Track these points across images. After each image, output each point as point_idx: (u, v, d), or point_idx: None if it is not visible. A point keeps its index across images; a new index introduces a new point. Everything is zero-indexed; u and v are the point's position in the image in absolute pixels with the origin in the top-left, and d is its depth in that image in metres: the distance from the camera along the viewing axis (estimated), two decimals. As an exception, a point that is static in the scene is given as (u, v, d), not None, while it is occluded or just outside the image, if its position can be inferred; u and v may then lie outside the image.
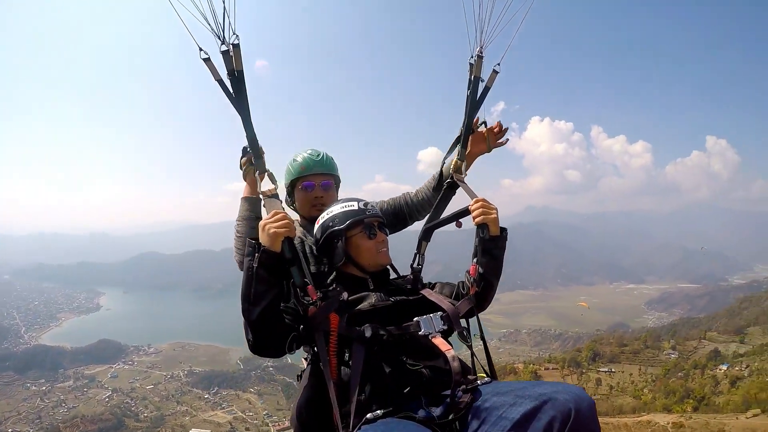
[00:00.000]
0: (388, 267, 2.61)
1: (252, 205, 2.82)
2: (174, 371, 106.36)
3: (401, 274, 2.74)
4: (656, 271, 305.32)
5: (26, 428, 75.27)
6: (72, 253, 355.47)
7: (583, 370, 64.96)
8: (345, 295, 2.29)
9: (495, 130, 3.10)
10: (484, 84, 2.84)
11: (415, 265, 2.67)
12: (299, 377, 2.54)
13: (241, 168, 2.85)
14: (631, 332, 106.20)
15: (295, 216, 3.15)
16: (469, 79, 2.80)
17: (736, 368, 56.89)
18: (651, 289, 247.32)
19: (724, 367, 58.05)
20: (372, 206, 2.58)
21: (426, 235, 2.75)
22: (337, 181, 3.12)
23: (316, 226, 2.60)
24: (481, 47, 2.75)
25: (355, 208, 2.50)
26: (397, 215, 3.16)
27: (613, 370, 66.13)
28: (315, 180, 2.98)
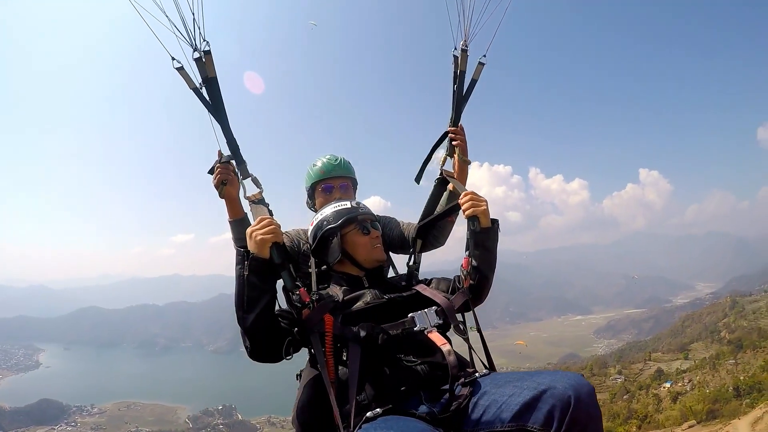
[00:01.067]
0: (384, 265, 2.68)
1: (237, 228, 2.79)
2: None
3: (399, 273, 2.90)
4: (602, 301, 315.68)
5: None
6: (9, 306, 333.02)
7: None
8: (339, 295, 2.31)
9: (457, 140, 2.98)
10: (470, 77, 2.89)
11: (410, 264, 2.76)
12: (298, 377, 2.52)
13: (216, 188, 2.73)
14: (581, 362, 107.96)
15: (299, 224, 3.21)
16: (455, 73, 2.84)
17: (679, 384, 58.95)
18: (598, 318, 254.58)
19: (668, 385, 59.99)
20: (364, 205, 2.66)
21: (420, 233, 2.81)
22: (354, 184, 3.30)
23: (309, 228, 2.68)
24: (466, 40, 2.80)
25: (348, 206, 2.60)
26: (404, 240, 3.10)
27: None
28: (334, 183, 3.15)
